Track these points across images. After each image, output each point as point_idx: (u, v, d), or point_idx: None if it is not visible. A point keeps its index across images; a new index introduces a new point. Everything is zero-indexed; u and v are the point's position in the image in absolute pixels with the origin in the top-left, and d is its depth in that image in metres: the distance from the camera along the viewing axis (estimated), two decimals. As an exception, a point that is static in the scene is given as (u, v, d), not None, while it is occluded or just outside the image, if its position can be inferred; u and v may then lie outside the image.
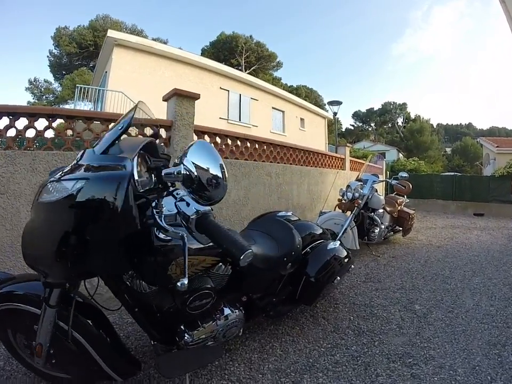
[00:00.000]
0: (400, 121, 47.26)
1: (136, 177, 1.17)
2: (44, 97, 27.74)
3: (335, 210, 4.57)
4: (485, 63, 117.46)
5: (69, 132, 2.85)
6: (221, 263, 1.57)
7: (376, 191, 4.75)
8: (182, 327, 1.53)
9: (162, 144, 3.15)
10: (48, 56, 26.04)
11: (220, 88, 13.91)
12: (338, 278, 2.38)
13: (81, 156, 1.30)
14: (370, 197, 4.48)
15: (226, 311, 1.69)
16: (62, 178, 1.18)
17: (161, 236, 1.27)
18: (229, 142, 3.76)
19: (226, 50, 28.72)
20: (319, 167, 5.60)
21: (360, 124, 50.02)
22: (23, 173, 2.31)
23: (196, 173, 1.10)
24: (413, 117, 45.34)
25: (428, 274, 3.73)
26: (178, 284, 1.15)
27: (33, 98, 27.60)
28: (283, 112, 17.23)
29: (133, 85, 10.35)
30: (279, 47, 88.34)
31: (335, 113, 11.70)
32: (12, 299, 1.37)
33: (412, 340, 2.23)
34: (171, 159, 1.53)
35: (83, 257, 1.12)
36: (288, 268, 2.04)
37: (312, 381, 1.77)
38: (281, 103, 17.01)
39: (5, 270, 2.12)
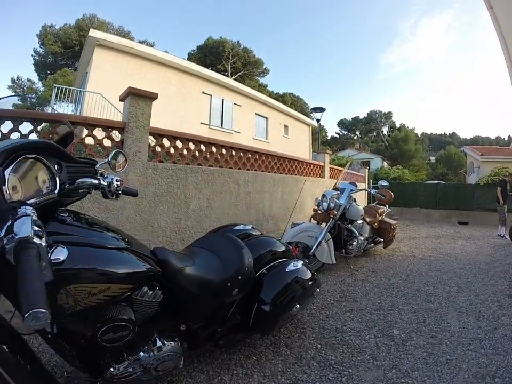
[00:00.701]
0: (385, 130, 48.01)
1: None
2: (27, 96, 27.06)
3: (310, 221, 4.25)
4: (471, 74, 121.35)
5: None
6: (146, 288, 1.37)
7: (355, 200, 4.45)
8: (106, 358, 1.32)
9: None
10: (32, 55, 25.48)
11: (202, 92, 13.58)
12: (298, 305, 2.01)
13: None
14: (347, 207, 4.16)
15: (158, 342, 1.46)
16: None
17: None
18: (191, 146, 3.40)
19: (213, 55, 28.55)
20: (295, 174, 5.28)
21: (346, 132, 50.43)
22: None
23: None
24: (398, 126, 45.99)
25: (410, 291, 3.42)
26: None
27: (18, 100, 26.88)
28: (267, 118, 16.99)
29: (112, 87, 9.85)
30: (267, 55, 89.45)
31: (318, 120, 11.62)
32: None
33: (386, 375, 1.89)
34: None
35: None
36: (234, 294, 1.70)
37: None
38: (265, 109, 16.77)
39: None
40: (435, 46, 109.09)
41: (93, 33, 10.47)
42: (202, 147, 3.52)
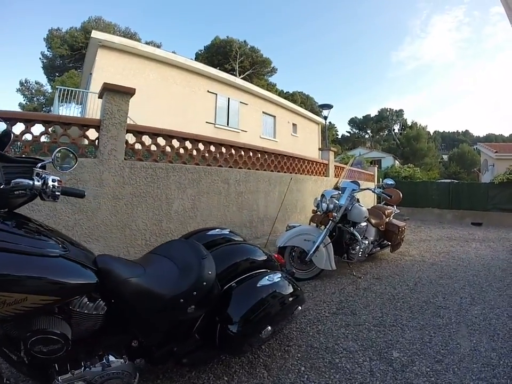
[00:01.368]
0: (396, 128, 47.23)
1: None
2: (35, 99, 27.69)
3: (310, 223, 3.93)
4: (483, 71, 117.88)
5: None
6: (86, 299, 1.25)
7: (358, 201, 4.10)
8: (52, 368, 1.22)
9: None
10: (40, 58, 25.93)
11: (208, 91, 13.41)
12: (269, 327, 1.68)
13: None
14: (349, 208, 3.83)
15: (105, 358, 1.31)
16: None
17: None
18: (175, 143, 3.14)
19: (220, 55, 28.49)
20: (296, 173, 4.96)
21: (357, 131, 49.79)
22: None
23: None
24: (410, 124, 45.15)
25: (417, 302, 3.07)
26: None
27: (24, 100, 27.56)
28: (274, 117, 16.69)
29: (116, 87, 9.84)
30: (276, 54, 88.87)
31: (325, 117, 11.28)
32: None
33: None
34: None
35: None
36: (190, 311, 1.44)
37: None
38: (272, 107, 16.48)
39: None
40: (446, 43, 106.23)
41: (95, 34, 10.53)
42: (188, 144, 3.26)
